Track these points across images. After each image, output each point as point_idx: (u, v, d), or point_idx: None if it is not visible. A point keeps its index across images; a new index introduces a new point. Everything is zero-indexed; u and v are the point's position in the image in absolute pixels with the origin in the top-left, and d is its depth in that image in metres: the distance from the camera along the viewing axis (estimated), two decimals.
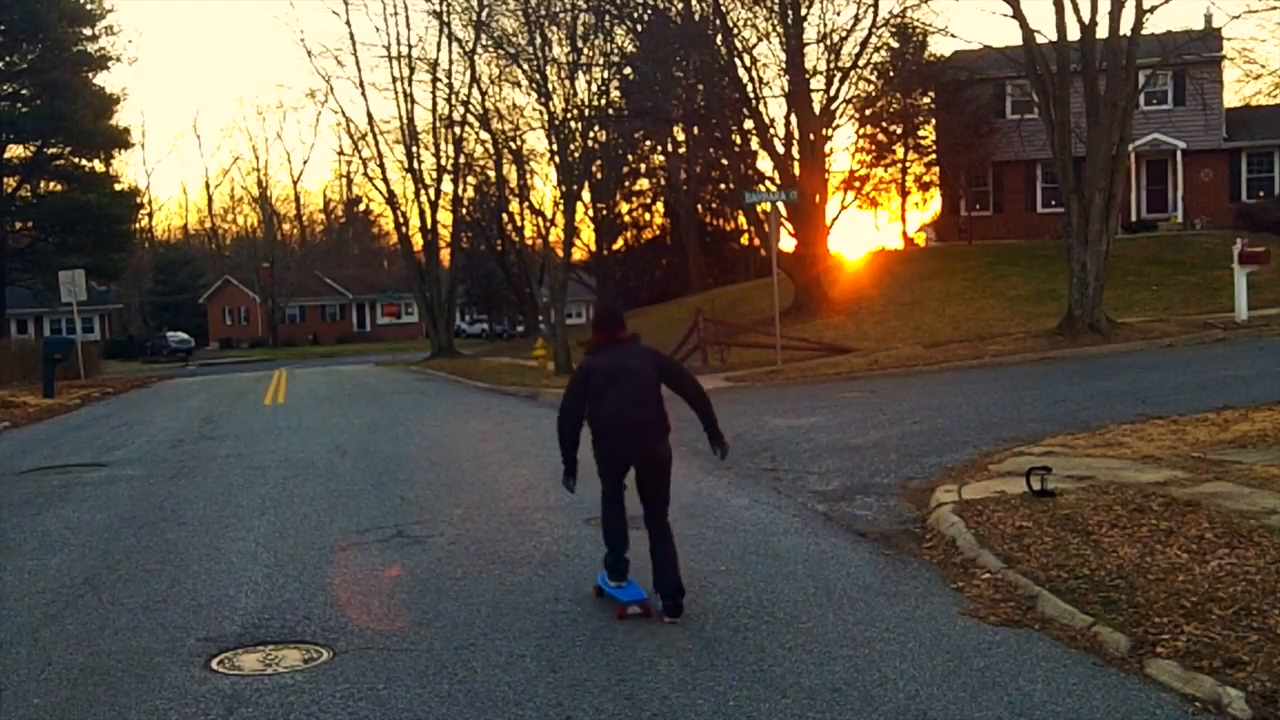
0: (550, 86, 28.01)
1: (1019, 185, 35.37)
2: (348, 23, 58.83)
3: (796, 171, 27.30)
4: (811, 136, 27.69)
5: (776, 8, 27.53)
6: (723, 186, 42.58)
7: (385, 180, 41.68)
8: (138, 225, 64.42)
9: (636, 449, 6.20)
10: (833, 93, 28.19)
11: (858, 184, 37.89)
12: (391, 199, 42.97)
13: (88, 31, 44.83)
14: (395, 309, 77.10)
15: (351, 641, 5.43)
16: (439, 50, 43.53)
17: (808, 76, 27.87)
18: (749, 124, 28.74)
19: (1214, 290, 23.99)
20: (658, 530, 6.13)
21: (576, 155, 28.84)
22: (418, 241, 43.55)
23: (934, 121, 38.01)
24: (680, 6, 29.01)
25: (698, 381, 6.62)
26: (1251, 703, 4.19)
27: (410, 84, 39.08)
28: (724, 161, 33.06)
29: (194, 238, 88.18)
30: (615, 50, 31.72)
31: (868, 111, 36.43)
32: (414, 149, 39.75)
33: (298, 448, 13.02)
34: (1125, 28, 20.60)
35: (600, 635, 5.37)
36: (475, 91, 37.52)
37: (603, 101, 34.46)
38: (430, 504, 8.94)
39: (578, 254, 47.15)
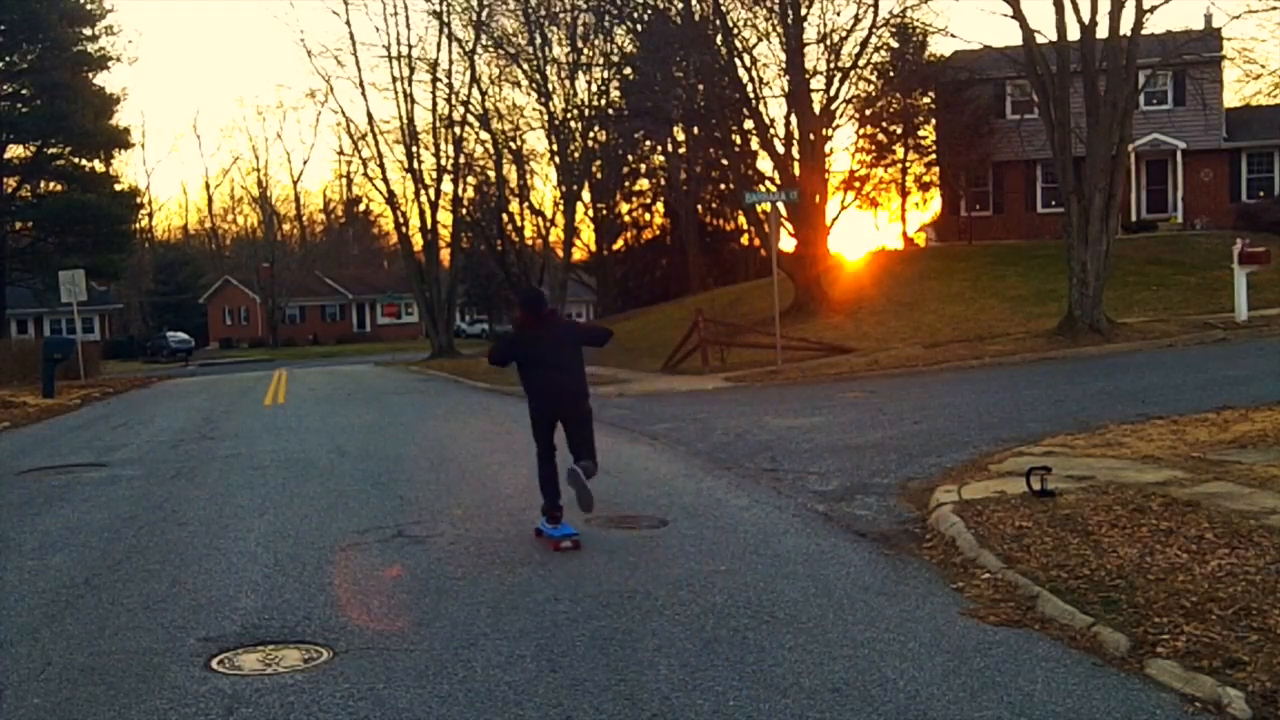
0: (550, 86, 28.10)
1: (1019, 185, 35.37)
2: (348, 23, 58.89)
3: (796, 171, 27.30)
4: (811, 136, 27.68)
5: (776, 8, 27.53)
6: (723, 186, 42.60)
7: (385, 180, 41.72)
8: (138, 225, 64.35)
9: (561, 408, 7.56)
10: (833, 93, 28.20)
11: (858, 184, 37.89)
12: (391, 199, 43.01)
13: (88, 31, 44.83)
14: (395, 309, 77.11)
15: (351, 641, 5.42)
16: (439, 50, 43.54)
17: (808, 76, 27.87)
18: (749, 124, 28.75)
19: (1214, 290, 23.98)
20: (578, 467, 7.38)
21: (576, 155, 28.88)
22: (418, 241, 43.58)
23: (934, 121, 38.01)
24: (680, 6, 29.03)
25: (607, 330, 8.48)
26: (1251, 703, 4.19)
27: (410, 84, 39.13)
28: (724, 161, 33.08)
29: (194, 238, 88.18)
30: (615, 50, 31.76)
31: (868, 111, 36.43)
32: (414, 149, 39.78)
33: (298, 448, 13.02)
34: (1125, 28, 20.62)
35: (600, 635, 5.37)
36: (475, 91, 37.55)
37: (603, 101, 34.49)
38: (430, 504, 8.94)
39: (578, 254, 47.24)
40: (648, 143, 41.20)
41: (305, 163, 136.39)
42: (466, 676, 4.88)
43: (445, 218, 42.61)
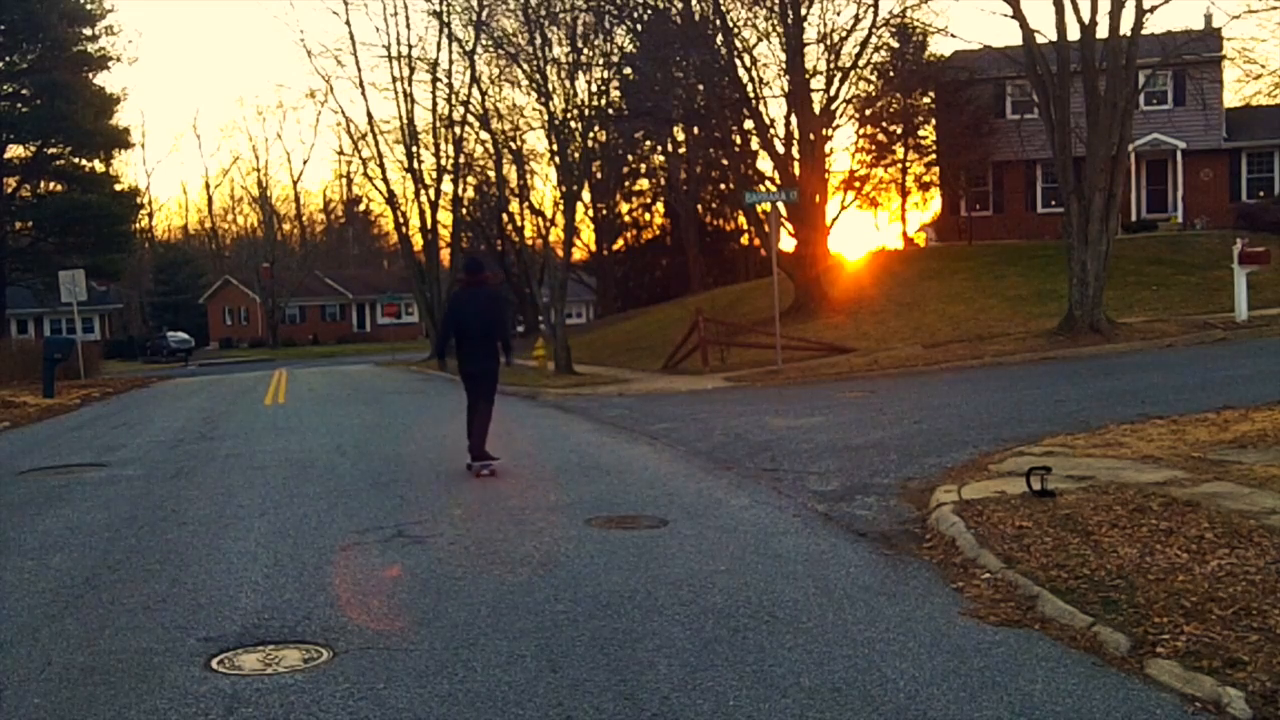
0: (550, 86, 28.02)
1: (1019, 185, 35.39)
2: (348, 23, 59.27)
3: (796, 171, 27.30)
4: (811, 136, 27.68)
5: (776, 8, 27.53)
6: (723, 186, 42.62)
7: (385, 180, 41.73)
8: (138, 225, 64.45)
9: (476, 365, 10.40)
10: (833, 93, 28.20)
11: (858, 184, 37.90)
12: (391, 199, 43.03)
13: (88, 31, 44.91)
14: (395, 309, 77.10)
15: (351, 641, 5.42)
16: (439, 50, 43.66)
17: (808, 76, 27.87)
18: (749, 124, 28.74)
19: (1214, 290, 23.99)
20: (481, 414, 10.36)
21: (576, 155, 28.82)
22: (418, 241, 43.60)
23: (934, 121, 38.03)
24: (680, 6, 29.01)
25: (506, 330, 10.73)
26: (1251, 703, 4.19)
27: (410, 84, 39.19)
28: (724, 161, 33.10)
29: (194, 238, 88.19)
30: (615, 50, 31.73)
31: (868, 111, 36.43)
32: (414, 149, 39.79)
33: (298, 448, 13.02)
34: (1125, 28, 20.65)
35: (600, 635, 5.37)
36: (475, 91, 37.57)
37: (603, 101, 34.47)
38: (430, 504, 8.94)
39: (578, 254, 47.22)
40: (648, 143, 41.19)
41: (305, 163, 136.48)
42: (466, 676, 4.88)
43: (445, 218, 42.66)
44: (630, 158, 44.29)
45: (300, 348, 67.07)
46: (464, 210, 44.10)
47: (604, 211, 49.90)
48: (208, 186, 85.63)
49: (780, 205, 22.66)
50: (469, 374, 10.45)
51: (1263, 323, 20.60)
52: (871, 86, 34.96)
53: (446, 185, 41.37)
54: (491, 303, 10.54)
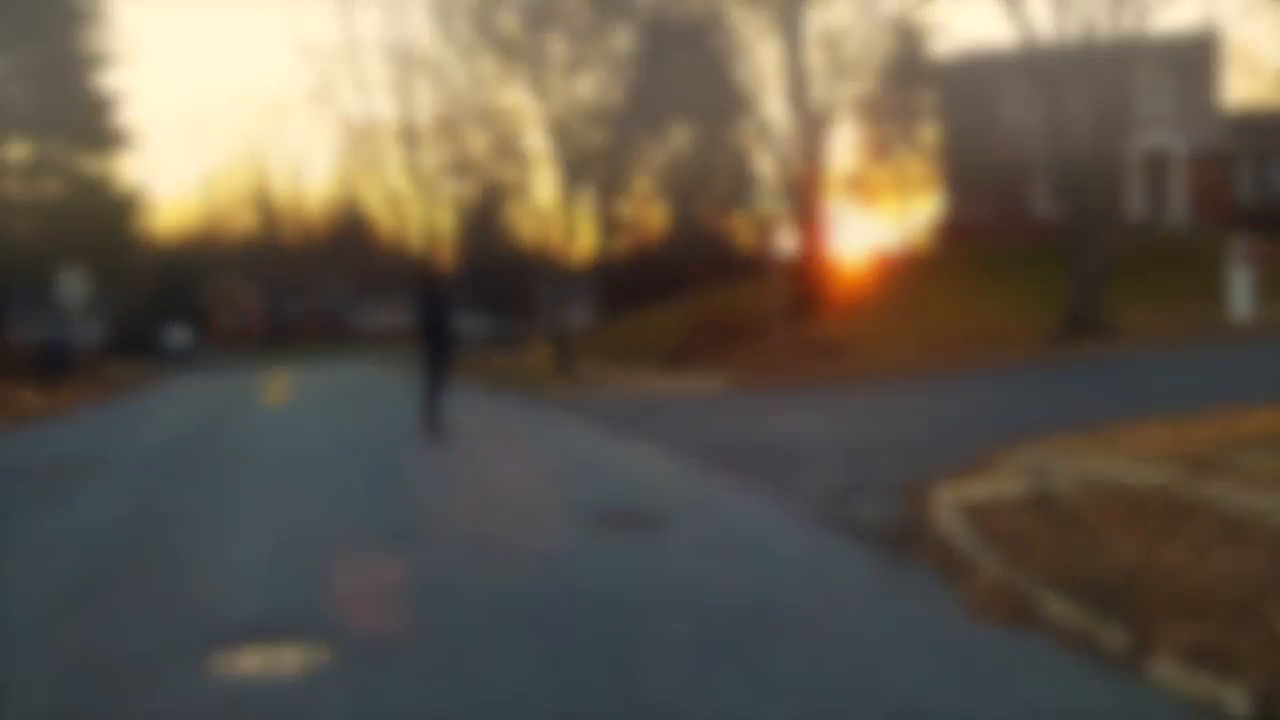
0: (550, 86, 27.98)
1: (1019, 186, 35.39)
2: (348, 23, 58.96)
3: (796, 171, 27.30)
4: (811, 137, 27.68)
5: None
6: (723, 187, 42.55)
7: (385, 180, 41.71)
8: (138, 225, 64.39)
9: (436, 351, 12.83)
10: (833, 92, 28.19)
11: (858, 184, 37.90)
12: (391, 199, 42.98)
13: (88, 32, 44.87)
14: (395, 309, 77.02)
15: (351, 641, 5.42)
16: (439, 50, 43.50)
17: (808, 76, 27.87)
18: (749, 124, 28.73)
19: (1214, 290, 23.99)
20: (438, 394, 12.79)
21: (577, 156, 28.81)
22: (418, 242, 43.54)
23: (934, 121, 38.04)
24: (680, 6, 29.02)
25: (454, 323, 13.19)
26: (1251, 702, 4.19)
27: (410, 84, 39.08)
28: (724, 161, 33.08)
29: (194, 238, 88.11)
30: (615, 50, 31.73)
31: (868, 111, 36.42)
32: (414, 149, 39.74)
33: (298, 447, 13.02)
34: (1125, 27, 20.64)
35: (600, 635, 5.37)
36: (475, 91, 37.50)
37: (603, 102, 34.43)
38: (430, 504, 8.94)
39: (578, 254, 47.16)
40: (648, 143, 41.12)
41: (305, 163, 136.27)
42: (466, 676, 4.88)
43: (446, 218, 42.61)
44: (630, 158, 44.25)
45: (300, 348, 67.06)
46: (464, 210, 44.02)
47: (604, 211, 49.84)
48: (208, 187, 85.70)
49: (780, 206, 22.64)
50: (428, 359, 13.02)
51: (1263, 323, 20.61)
52: (872, 86, 34.94)
53: (447, 185, 41.34)
54: (445, 300, 13.21)
